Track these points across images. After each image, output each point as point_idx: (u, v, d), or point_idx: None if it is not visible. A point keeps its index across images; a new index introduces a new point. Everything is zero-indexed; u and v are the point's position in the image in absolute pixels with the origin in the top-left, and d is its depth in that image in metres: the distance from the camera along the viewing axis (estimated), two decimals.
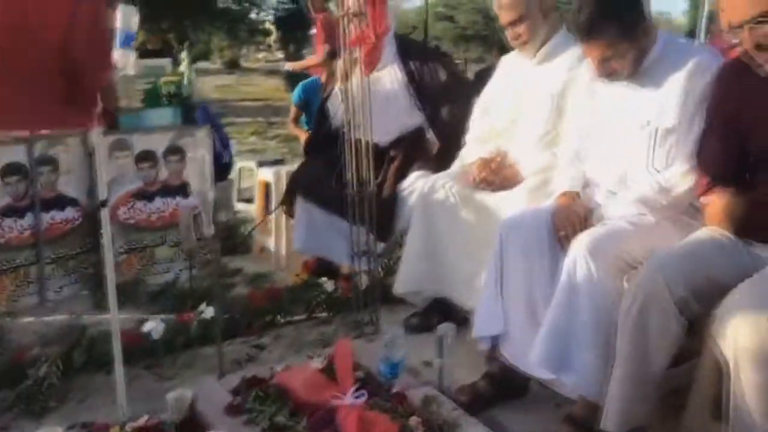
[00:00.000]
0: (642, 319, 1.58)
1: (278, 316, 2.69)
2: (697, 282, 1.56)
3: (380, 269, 2.82)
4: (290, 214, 3.17)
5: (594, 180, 2.06)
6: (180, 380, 2.24)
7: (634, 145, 1.95)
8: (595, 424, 1.71)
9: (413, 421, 1.74)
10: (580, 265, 1.77)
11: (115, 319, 1.95)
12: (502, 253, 2.01)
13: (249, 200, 4.32)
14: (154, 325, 2.43)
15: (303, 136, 4.44)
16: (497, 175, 2.46)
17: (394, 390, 1.91)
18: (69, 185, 2.96)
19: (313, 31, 5.53)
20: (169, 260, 3.15)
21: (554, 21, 2.48)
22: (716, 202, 1.68)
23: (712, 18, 3.99)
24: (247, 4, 17.37)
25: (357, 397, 1.81)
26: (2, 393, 2.14)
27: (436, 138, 3.02)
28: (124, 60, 3.09)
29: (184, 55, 3.25)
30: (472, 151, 2.65)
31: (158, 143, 3.07)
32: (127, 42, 3.11)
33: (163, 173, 3.09)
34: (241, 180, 4.58)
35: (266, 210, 3.75)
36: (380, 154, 2.95)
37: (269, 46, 28.64)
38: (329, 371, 1.95)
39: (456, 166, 2.69)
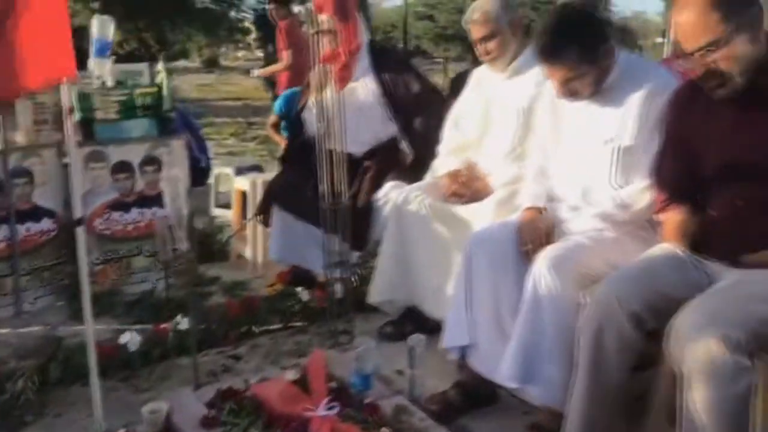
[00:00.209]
0: (599, 334, 1.64)
1: (254, 326, 2.73)
2: (651, 298, 1.63)
3: (355, 278, 2.87)
4: (266, 223, 3.21)
5: (558, 195, 2.13)
6: (156, 392, 2.28)
7: (596, 162, 2.02)
8: None
9: (384, 431, 1.80)
10: (543, 280, 1.83)
11: (90, 332, 1.96)
12: (469, 267, 2.07)
13: (227, 206, 4.34)
14: (130, 337, 2.46)
15: (282, 143, 4.49)
16: (468, 188, 2.52)
17: (367, 400, 1.96)
18: (44, 197, 2.97)
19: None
20: (145, 270, 3.17)
21: (523, 37, 2.54)
22: (671, 219, 1.76)
23: None
24: (225, 4, 17.27)
25: (329, 409, 1.86)
26: None
27: (410, 148, 3.08)
28: (101, 69, 3.11)
29: (160, 66, 3.26)
30: (443, 163, 2.71)
31: (134, 154, 3.09)
32: (103, 51, 3.13)
33: (140, 184, 3.11)
34: (219, 184, 4.60)
35: (243, 218, 3.78)
36: (355, 165, 3.00)
37: (249, 44, 28.53)
38: (303, 383, 2.00)
39: (428, 177, 2.74)
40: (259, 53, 23.31)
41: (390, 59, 3.23)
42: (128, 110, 3.09)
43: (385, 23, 29.23)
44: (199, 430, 1.86)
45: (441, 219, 2.50)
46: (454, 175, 2.57)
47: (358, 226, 2.82)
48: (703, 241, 1.69)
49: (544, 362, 1.87)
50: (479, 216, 2.37)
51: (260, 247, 3.51)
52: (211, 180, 4.54)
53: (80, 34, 2.92)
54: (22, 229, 2.92)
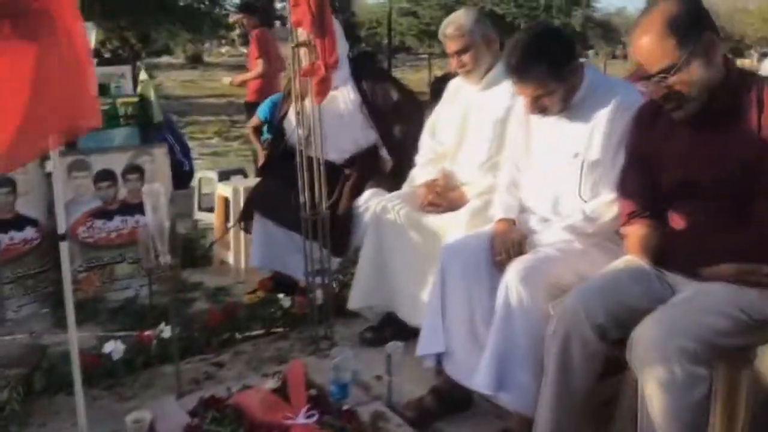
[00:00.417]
0: (566, 343, 1.72)
1: (236, 333, 2.78)
2: (615, 309, 1.70)
3: (336, 285, 2.92)
4: (248, 230, 3.26)
5: (529, 207, 2.20)
6: (140, 400, 2.32)
7: (564, 175, 2.09)
8: None
9: None
10: (515, 291, 1.90)
11: (74, 342, 1.99)
12: (444, 276, 2.14)
13: (210, 209, 4.38)
14: (114, 346, 2.51)
15: (261, 149, 4.53)
16: (443, 198, 2.58)
17: (345, 407, 2.03)
18: (27, 206, 3.00)
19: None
20: (129, 277, 3.21)
21: (497, 49, 2.61)
22: (634, 232, 1.83)
23: None
24: (208, 2, 17.18)
25: (309, 417, 1.93)
26: None
27: (389, 156, 3.14)
28: None
29: (144, 76, 3.29)
30: (420, 173, 2.77)
31: (117, 163, 3.13)
32: None
33: (122, 192, 3.15)
34: (202, 187, 4.63)
35: (225, 224, 3.82)
36: (336, 172, 3.06)
37: (233, 40, 28.39)
38: (283, 391, 2.06)
39: (406, 186, 2.81)
40: (244, 49, 23.23)
41: (369, 69, 3.29)
42: (111, 119, 3.13)
43: (369, 19, 29.18)
44: None
45: (416, 228, 2.56)
46: (430, 185, 2.63)
47: (338, 232, 2.88)
48: (663, 255, 1.76)
49: (517, 370, 1.94)
50: (453, 225, 2.44)
51: (242, 253, 3.55)
52: (194, 183, 4.57)
53: None
54: (6, 238, 2.95)
